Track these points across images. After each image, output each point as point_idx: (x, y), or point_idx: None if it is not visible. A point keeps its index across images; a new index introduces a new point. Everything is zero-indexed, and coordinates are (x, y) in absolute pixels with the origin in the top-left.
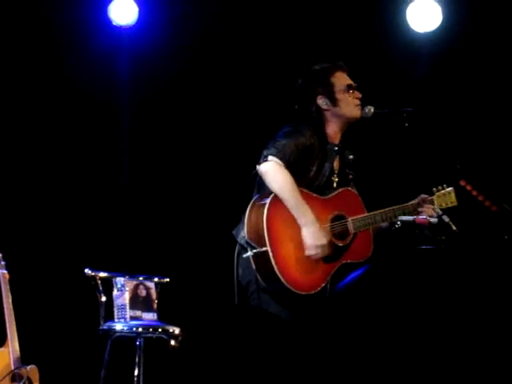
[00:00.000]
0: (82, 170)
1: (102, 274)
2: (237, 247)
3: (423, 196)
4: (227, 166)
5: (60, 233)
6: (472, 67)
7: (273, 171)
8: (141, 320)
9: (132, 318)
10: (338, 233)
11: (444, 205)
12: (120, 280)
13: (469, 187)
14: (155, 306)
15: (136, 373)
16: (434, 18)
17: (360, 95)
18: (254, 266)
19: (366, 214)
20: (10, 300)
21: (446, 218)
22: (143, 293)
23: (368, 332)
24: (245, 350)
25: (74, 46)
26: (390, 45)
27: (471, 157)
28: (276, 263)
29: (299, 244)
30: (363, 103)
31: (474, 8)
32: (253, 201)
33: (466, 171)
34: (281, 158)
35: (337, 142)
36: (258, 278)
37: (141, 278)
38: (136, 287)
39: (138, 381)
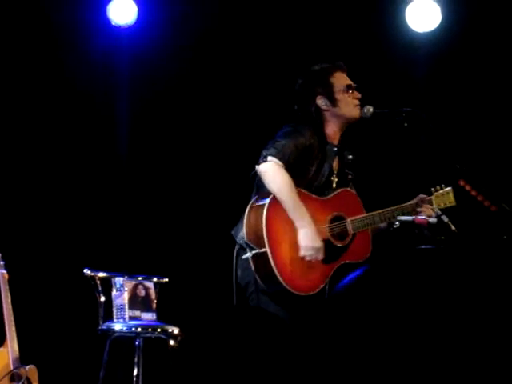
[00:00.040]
0: (82, 170)
1: (101, 274)
2: (236, 247)
3: (422, 196)
4: (226, 166)
5: (59, 233)
6: (471, 67)
7: (272, 172)
8: (140, 320)
9: (131, 318)
10: (336, 233)
11: (442, 205)
12: (119, 280)
13: (468, 187)
14: (154, 305)
15: (135, 373)
16: (433, 18)
17: (359, 95)
18: (252, 267)
19: (365, 215)
20: (9, 300)
21: (445, 218)
22: (142, 293)
23: (367, 333)
24: (244, 350)
25: (74, 46)
26: (389, 45)
27: (470, 157)
28: (275, 264)
29: (298, 245)
30: (362, 103)
31: (473, 8)
32: (252, 201)
33: (465, 171)
34: (280, 159)
35: (336, 142)
36: (257, 279)
37: (140, 278)
38: (135, 287)
39: (137, 381)
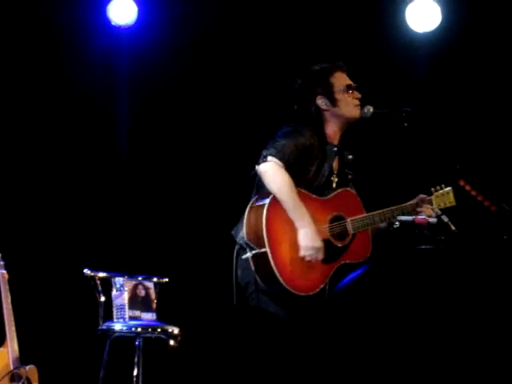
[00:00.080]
0: (81, 170)
1: (101, 274)
2: (236, 247)
3: (422, 196)
4: (226, 166)
5: (59, 233)
6: (471, 67)
7: (272, 172)
8: (140, 320)
9: (131, 318)
10: (336, 233)
11: (442, 205)
12: (119, 280)
13: (468, 187)
14: (154, 305)
15: (135, 373)
16: (433, 18)
17: (359, 95)
18: (252, 267)
19: (365, 215)
20: (9, 300)
21: (445, 218)
22: (142, 293)
23: (367, 333)
24: (244, 350)
25: (74, 46)
26: (389, 45)
27: (470, 157)
28: (275, 264)
29: (298, 245)
30: (362, 103)
31: (473, 8)
32: (252, 201)
33: (465, 171)
34: (280, 159)
35: (336, 142)
36: (257, 279)
37: (140, 278)
38: (135, 287)
39: (137, 381)
